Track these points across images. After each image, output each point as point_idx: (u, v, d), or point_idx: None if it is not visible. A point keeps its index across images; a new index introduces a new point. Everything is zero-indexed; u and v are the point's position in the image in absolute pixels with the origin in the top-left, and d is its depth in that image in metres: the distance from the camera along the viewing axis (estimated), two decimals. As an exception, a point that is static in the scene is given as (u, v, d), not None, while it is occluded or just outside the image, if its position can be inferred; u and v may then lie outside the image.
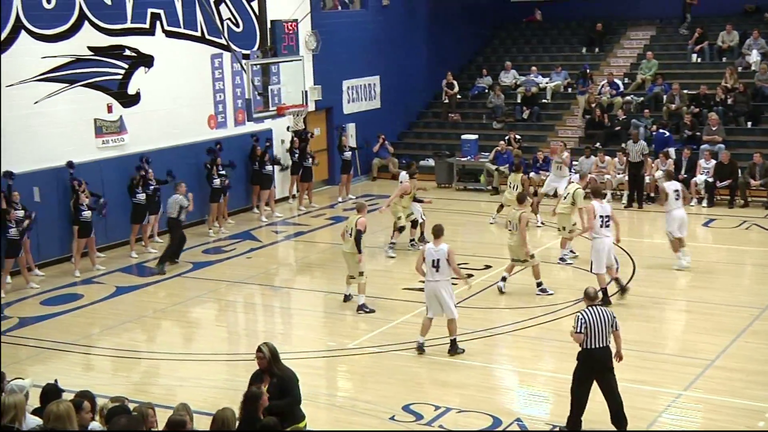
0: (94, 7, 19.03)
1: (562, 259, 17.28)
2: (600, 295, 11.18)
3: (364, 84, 26.83)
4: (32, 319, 15.37)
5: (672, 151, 22.81)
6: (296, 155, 22.96)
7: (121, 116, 19.70)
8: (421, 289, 13.61)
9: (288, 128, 22.81)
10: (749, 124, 24.29)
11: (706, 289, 16.32)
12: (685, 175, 21.92)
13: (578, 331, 10.09)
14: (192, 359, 13.40)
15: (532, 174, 23.33)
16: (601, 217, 14.79)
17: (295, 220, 22.36)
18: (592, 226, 14.90)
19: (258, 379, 8.88)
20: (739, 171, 21.97)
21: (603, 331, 10.11)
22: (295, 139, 22.86)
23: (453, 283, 13.13)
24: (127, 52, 19.86)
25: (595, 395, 10.39)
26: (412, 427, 10.90)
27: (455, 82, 28.41)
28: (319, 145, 24.82)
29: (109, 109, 19.53)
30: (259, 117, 19.45)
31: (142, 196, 18.84)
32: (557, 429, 10.64)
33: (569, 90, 27.70)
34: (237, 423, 7.88)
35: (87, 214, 17.70)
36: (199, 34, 21.47)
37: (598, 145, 24.21)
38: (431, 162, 25.92)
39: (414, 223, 18.65)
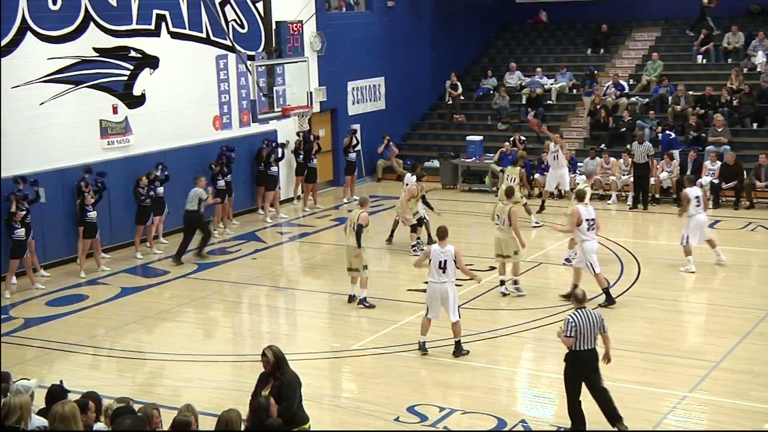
0: (99, 8, 19.06)
1: (567, 260, 17.29)
2: (587, 296, 11.19)
3: (369, 85, 26.84)
4: (37, 320, 15.40)
5: (676, 152, 22.80)
6: (301, 156, 22.98)
7: (126, 117, 19.73)
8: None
9: (298, 134, 22.85)
10: (755, 125, 24.26)
11: (711, 291, 16.32)
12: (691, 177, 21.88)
13: (568, 334, 10.14)
14: (197, 360, 13.41)
15: (537, 175, 23.39)
16: (587, 220, 14.85)
17: (299, 221, 22.37)
18: (574, 230, 14.92)
19: (265, 380, 8.89)
20: (745, 172, 21.93)
21: (591, 333, 10.18)
22: (301, 141, 22.91)
23: (458, 285, 13.13)
24: (133, 54, 19.89)
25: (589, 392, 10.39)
26: (417, 428, 10.90)
27: (459, 84, 28.44)
28: (324, 146, 24.79)
29: (115, 110, 19.55)
30: (264, 118, 19.47)
31: (147, 201, 18.87)
32: (562, 430, 10.63)
33: (574, 91, 27.69)
34: (242, 425, 7.88)
35: (92, 214, 17.72)
36: (204, 35, 21.50)
37: (602, 146, 24.19)
38: (436, 163, 25.92)
39: (420, 222, 18.60)
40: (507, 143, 24.47)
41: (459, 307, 13.15)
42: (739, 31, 26.89)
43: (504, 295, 15.56)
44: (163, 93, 20.45)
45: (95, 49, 19.09)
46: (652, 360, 12.74)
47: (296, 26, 21.16)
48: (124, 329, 14.95)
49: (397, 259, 18.43)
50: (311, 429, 9.03)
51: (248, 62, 19.96)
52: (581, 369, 10.26)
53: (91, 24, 18.98)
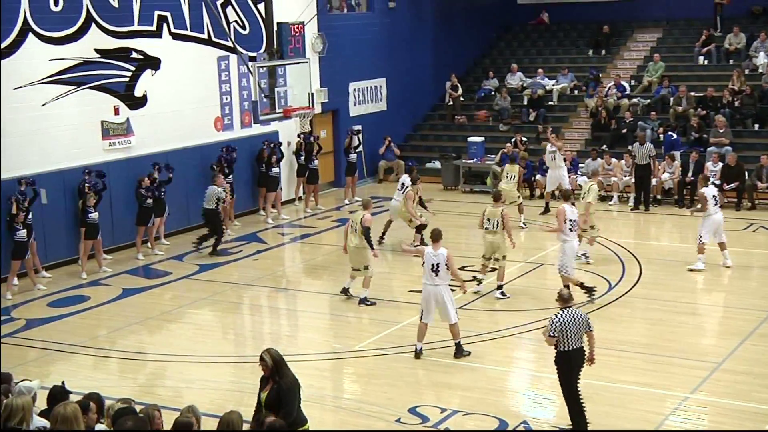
0: (101, 9, 19.07)
1: (584, 254, 17.35)
2: (573, 297, 11.25)
3: (371, 86, 26.85)
4: (39, 321, 15.41)
5: (678, 154, 22.79)
6: (302, 157, 22.99)
7: (127, 118, 19.74)
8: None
9: (299, 135, 22.86)
10: (756, 126, 24.25)
11: (712, 292, 16.32)
12: (693, 178, 21.89)
13: (551, 334, 10.20)
14: (198, 361, 13.41)
15: (538, 176, 23.40)
16: (570, 221, 14.93)
17: (301, 222, 22.38)
18: (561, 229, 14.97)
19: (265, 381, 8.88)
20: (746, 173, 21.93)
21: (577, 333, 10.23)
22: (302, 143, 22.92)
23: (453, 289, 13.14)
24: (134, 55, 19.90)
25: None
26: (418, 429, 10.90)
27: (459, 85, 28.45)
28: (325, 147, 24.80)
29: (116, 111, 19.56)
30: (266, 119, 19.49)
31: (149, 202, 18.89)
32: (565, 430, 10.63)
33: (576, 92, 27.68)
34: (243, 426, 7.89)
35: (94, 216, 17.72)
36: (205, 36, 21.50)
37: (604, 147, 24.19)
38: (437, 164, 25.93)
39: (423, 225, 18.63)
40: (509, 144, 24.47)
41: (457, 309, 13.11)
42: (741, 32, 26.88)
43: (504, 296, 15.59)
44: (164, 94, 20.46)
45: (97, 51, 19.10)
46: (653, 361, 12.74)
47: (298, 27, 21.22)
48: (125, 330, 14.96)
49: (399, 260, 18.42)
50: (310, 429, 9.02)
51: (250, 63, 19.99)
52: (572, 366, 10.32)
53: (93, 25, 18.99)
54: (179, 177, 20.01)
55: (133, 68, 19.90)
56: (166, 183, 19.35)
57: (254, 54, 21.88)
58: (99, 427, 7.95)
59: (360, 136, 24.83)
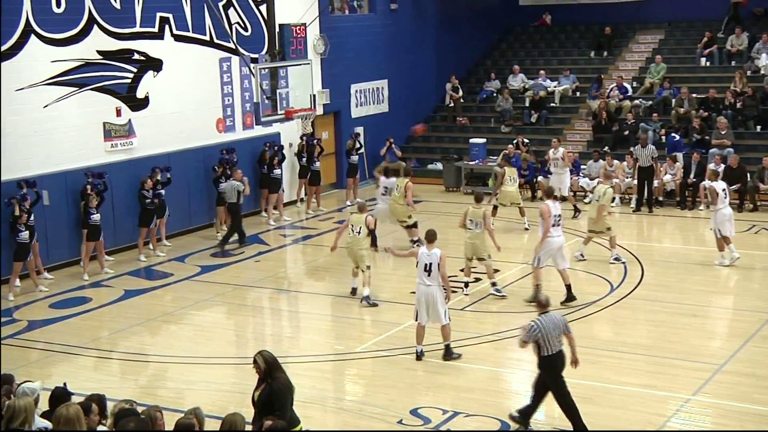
0: (103, 11, 19.08)
1: (617, 258, 17.41)
2: (551, 301, 11.22)
3: (373, 88, 26.85)
4: (41, 322, 15.42)
5: (680, 155, 22.77)
6: (304, 159, 22.99)
7: (129, 120, 19.75)
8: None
9: (301, 137, 22.88)
10: (758, 128, 24.22)
11: (714, 294, 16.30)
12: (695, 179, 21.88)
13: (525, 339, 10.25)
14: (200, 362, 13.42)
15: (540, 178, 23.40)
16: (555, 216, 14.97)
17: (303, 223, 22.38)
18: (548, 227, 14.96)
19: (262, 381, 8.90)
20: (748, 175, 21.91)
21: (557, 337, 10.27)
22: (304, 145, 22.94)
23: (453, 291, 13.15)
24: (136, 56, 19.92)
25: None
26: (420, 430, 10.89)
27: (459, 86, 28.45)
28: (327, 149, 24.81)
29: (118, 112, 19.58)
30: (268, 121, 19.48)
31: (152, 203, 18.88)
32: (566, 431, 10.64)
33: (578, 94, 27.68)
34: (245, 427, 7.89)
35: (96, 217, 17.74)
36: (207, 38, 21.52)
37: (606, 148, 24.18)
38: (439, 166, 25.94)
39: (414, 223, 18.71)
40: (510, 146, 24.46)
41: (447, 310, 13.03)
42: (743, 33, 26.86)
43: (502, 297, 15.59)
44: (166, 95, 20.47)
45: (99, 52, 19.12)
46: (655, 363, 12.72)
47: (299, 29, 21.21)
48: (127, 331, 14.97)
49: (399, 261, 18.38)
50: (304, 430, 9.01)
51: (251, 65, 19.98)
52: (557, 368, 10.35)
53: (95, 27, 19.00)
54: (181, 178, 20.02)
55: (135, 70, 19.91)
56: (165, 184, 19.36)
57: (256, 55, 21.86)
58: (101, 428, 7.95)
59: (360, 138, 24.83)
